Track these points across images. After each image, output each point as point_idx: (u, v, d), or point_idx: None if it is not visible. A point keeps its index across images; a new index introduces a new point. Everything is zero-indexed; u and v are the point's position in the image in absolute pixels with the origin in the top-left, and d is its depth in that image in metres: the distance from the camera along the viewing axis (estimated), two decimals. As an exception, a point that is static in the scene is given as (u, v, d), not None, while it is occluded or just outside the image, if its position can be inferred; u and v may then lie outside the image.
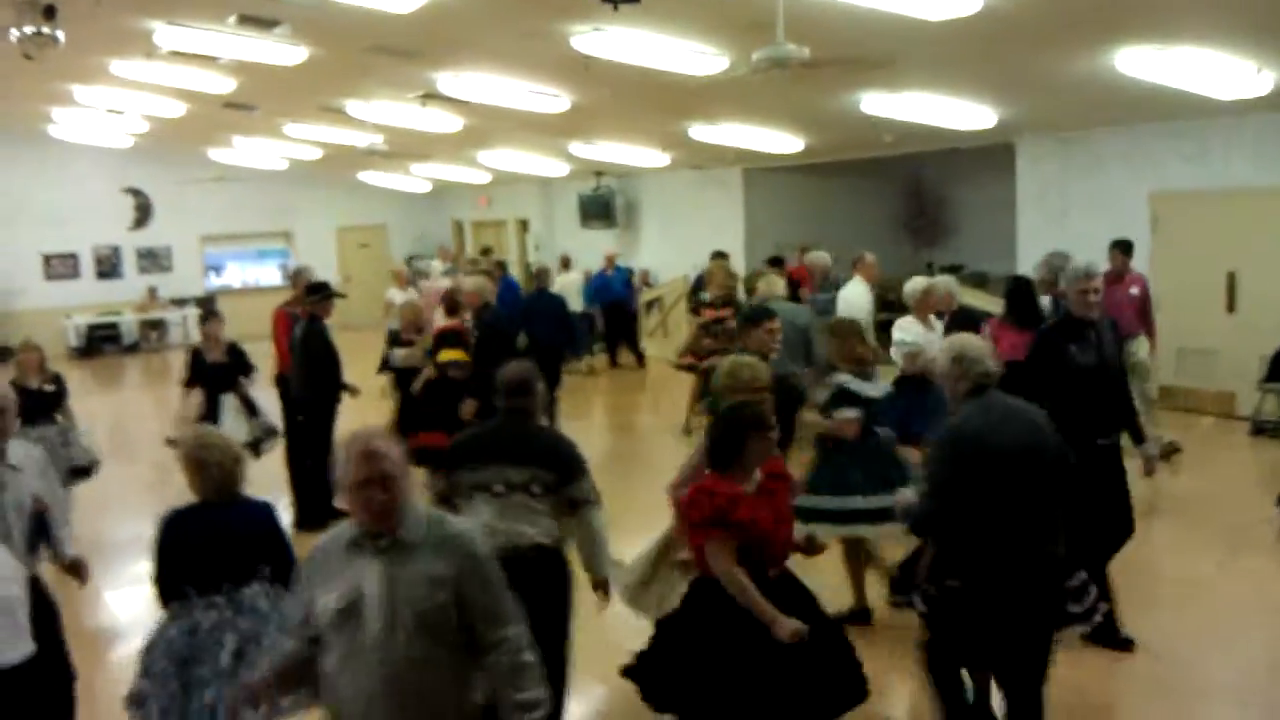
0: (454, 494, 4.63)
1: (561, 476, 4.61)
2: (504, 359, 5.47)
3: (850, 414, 5.93)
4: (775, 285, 9.42)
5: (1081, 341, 5.71)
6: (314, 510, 8.48)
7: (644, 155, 16.39)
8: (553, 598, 4.56)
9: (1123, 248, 9.97)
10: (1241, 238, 11.11)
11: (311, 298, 8.91)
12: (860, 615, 6.15)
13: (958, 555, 4.30)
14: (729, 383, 4.86)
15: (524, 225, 22.59)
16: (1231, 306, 11.19)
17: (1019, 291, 8.27)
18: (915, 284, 8.19)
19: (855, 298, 9.89)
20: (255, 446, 8.63)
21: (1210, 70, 9.18)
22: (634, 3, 5.25)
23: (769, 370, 5.08)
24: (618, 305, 17.28)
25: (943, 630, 4.46)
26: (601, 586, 4.82)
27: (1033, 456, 4.23)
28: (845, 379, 6.13)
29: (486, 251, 18.90)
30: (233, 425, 8.50)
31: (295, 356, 8.91)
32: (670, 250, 18.29)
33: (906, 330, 7.87)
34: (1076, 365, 5.64)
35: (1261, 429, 10.56)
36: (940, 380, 4.54)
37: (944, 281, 8.56)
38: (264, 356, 9.52)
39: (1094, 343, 5.72)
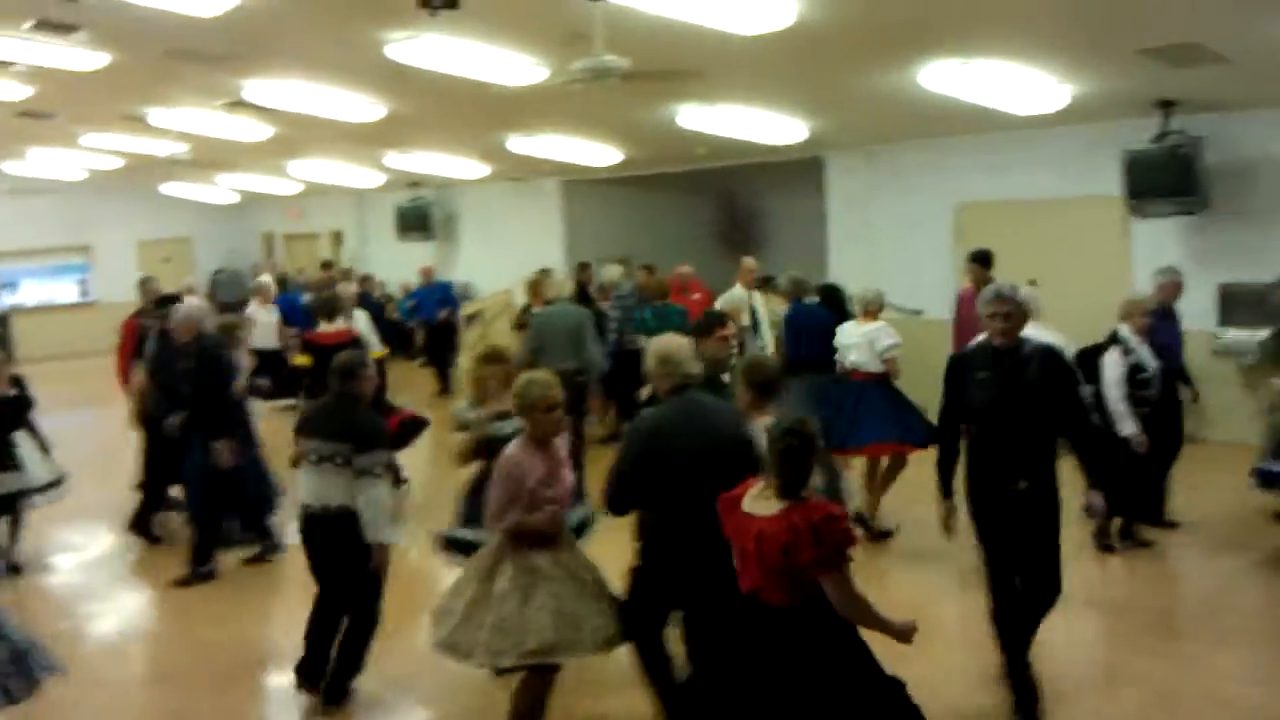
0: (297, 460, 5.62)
1: (357, 449, 5.31)
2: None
3: None
4: (563, 289, 9.77)
5: (987, 371, 5.12)
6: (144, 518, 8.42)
7: (462, 166, 16.23)
8: (354, 555, 5.35)
9: (981, 260, 9.76)
10: (1043, 247, 11.66)
11: (160, 310, 8.52)
12: None
13: (641, 537, 4.84)
14: (519, 402, 4.74)
15: (338, 237, 22.10)
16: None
17: (829, 298, 9.57)
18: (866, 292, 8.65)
19: (735, 300, 10.76)
20: (57, 485, 8.14)
21: (1011, 85, 9.62)
22: (452, 9, 5.16)
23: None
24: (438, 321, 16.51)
25: (632, 601, 4.83)
26: (377, 551, 5.39)
27: (706, 456, 4.55)
28: None
29: (327, 265, 18.42)
30: (38, 468, 7.97)
31: (152, 371, 8.39)
32: (490, 263, 18.16)
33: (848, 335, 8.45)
34: (970, 398, 5.15)
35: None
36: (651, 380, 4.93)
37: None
38: (59, 378, 9.03)
39: (1004, 373, 5.06)
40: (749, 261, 11.29)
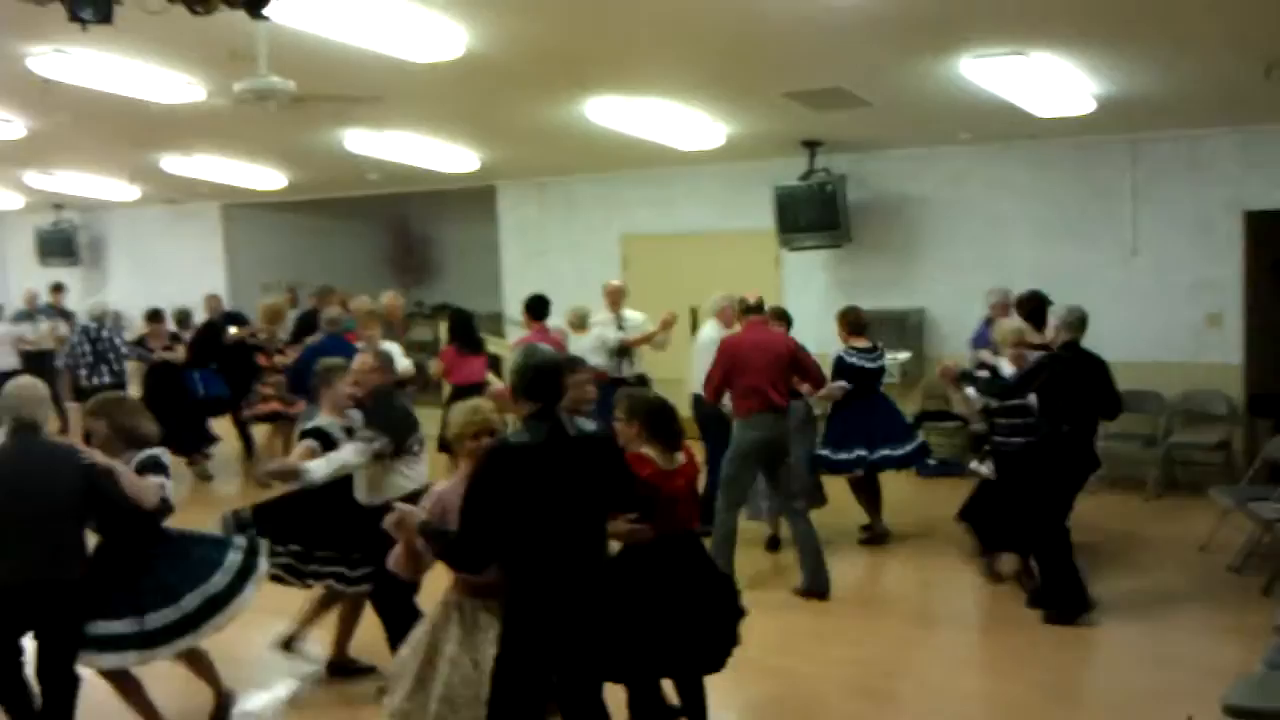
0: None
1: None
2: None
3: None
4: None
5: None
6: None
7: (110, 187, 15.25)
8: None
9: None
10: (702, 277, 12.17)
11: None
12: None
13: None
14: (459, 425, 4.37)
15: (-31, 263, 20.26)
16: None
17: (460, 323, 10.08)
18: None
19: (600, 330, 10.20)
20: None
21: (672, 123, 10.05)
22: (106, 23, 4.89)
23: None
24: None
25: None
26: None
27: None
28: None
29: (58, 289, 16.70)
30: None
31: None
32: (143, 290, 17.10)
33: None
34: None
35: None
36: None
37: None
38: None
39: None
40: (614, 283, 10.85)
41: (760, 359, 7.33)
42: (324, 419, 5.85)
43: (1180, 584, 7.51)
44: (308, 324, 11.45)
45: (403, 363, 8.58)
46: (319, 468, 5.48)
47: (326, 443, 5.65)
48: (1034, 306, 8.40)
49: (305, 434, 5.82)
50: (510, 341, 12.56)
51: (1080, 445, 7.02)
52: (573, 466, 4.01)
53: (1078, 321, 7.07)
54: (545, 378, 4.06)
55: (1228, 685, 4.45)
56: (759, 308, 7.68)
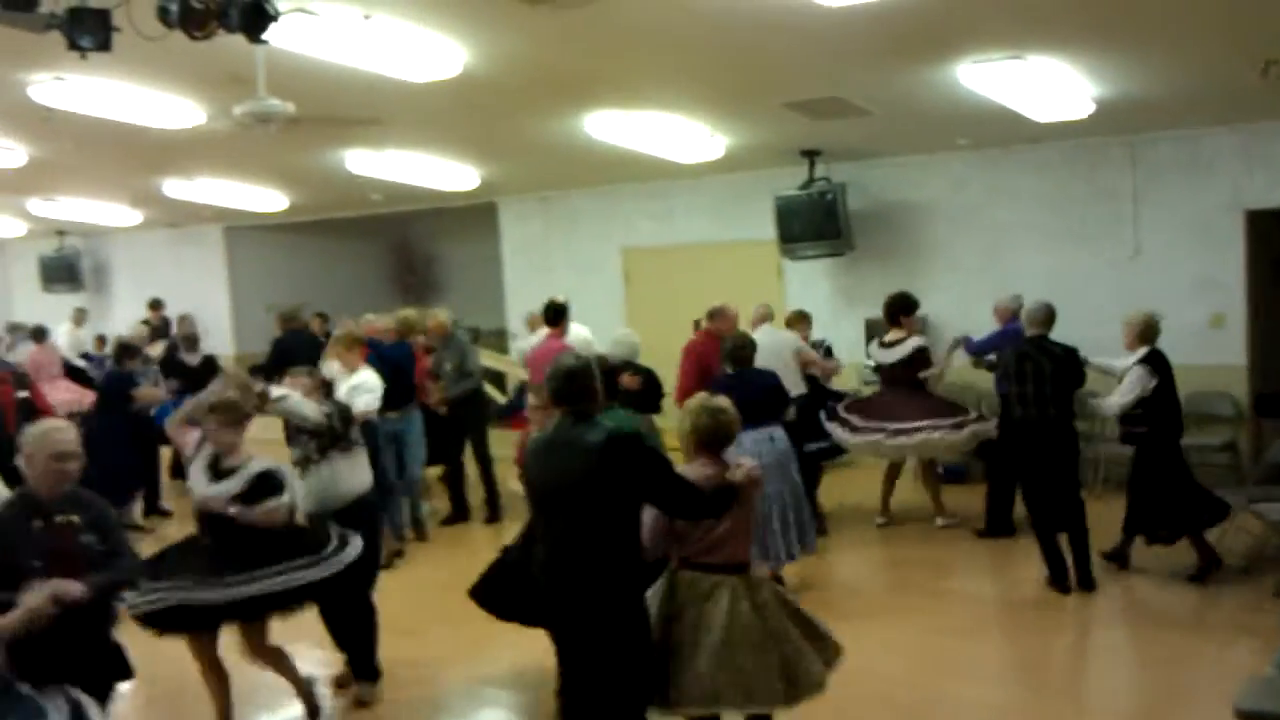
0: None
1: None
2: None
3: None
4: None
5: None
6: None
7: (113, 212, 15.30)
8: None
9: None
10: (704, 288, 12.18)
11: None
12: None
13: None
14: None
15: (-27, 290, 20.31)
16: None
17: None
18: None
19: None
20: None
21: (671, 135, 10.07)
22: (105, 51, 4.91)
23: None
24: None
25: None
26: None
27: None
28: None
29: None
30: None
31: None
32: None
33: None
34: None
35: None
36: None
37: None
38: None
39: None
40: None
41: None
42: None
43: (1189, 585, 7.49)
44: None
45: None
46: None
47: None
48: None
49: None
50: (515, 357, 12.58)
51: (1051, 430, 7.48)
52: None
53: (1044, 316, 7.75)
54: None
55: (1238, 687, 4.44)
56: None
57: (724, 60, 7.78)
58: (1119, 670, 6.37)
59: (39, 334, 14.12)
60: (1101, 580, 7.45)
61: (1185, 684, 5.85)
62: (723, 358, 7.76)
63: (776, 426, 7.41)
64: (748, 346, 7.65)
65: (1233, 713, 4.22)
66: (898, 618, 7.20)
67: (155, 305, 16.55)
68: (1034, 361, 7.55)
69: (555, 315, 9.82)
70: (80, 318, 16.92)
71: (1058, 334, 10.28)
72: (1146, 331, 7.60)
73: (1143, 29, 7.23)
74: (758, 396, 7.20)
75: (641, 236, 13.19)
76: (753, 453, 6.93)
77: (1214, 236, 10.12)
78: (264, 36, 5.21)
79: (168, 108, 8.61)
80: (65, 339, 16.10)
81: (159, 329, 15.56)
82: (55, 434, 4.36)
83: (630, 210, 13.25)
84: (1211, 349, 10.09)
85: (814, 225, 11.23)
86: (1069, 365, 7.55)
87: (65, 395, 12.20)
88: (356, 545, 5.56)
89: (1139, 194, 10.39)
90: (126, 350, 10.86)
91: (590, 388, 4.25)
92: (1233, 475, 9.61)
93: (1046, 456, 7.49)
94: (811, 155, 11.15)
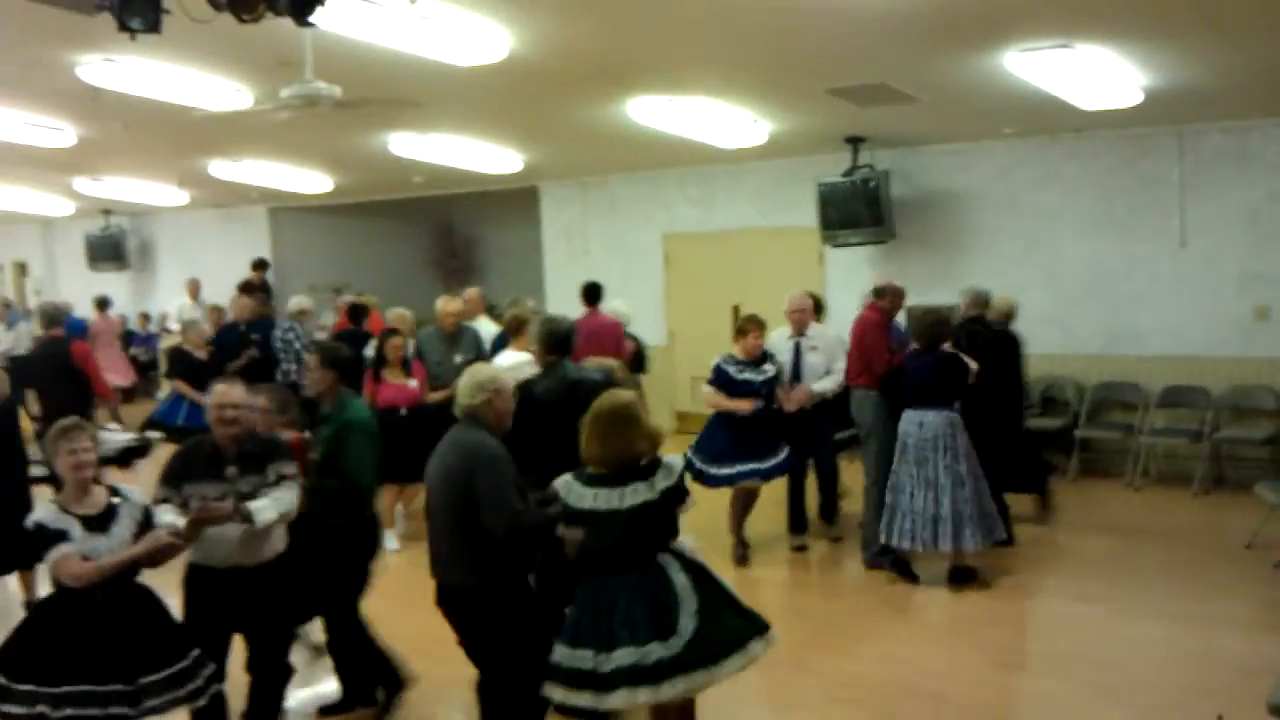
0: None
1: None
2: None
3: None
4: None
5: None
6: None
7: (159, 192, 15.47)
8: None
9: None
10: (743, 274, 12.23)
11: None
12: None
13: None
14: None
15: (22, 269, 20.61)
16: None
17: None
18: None
19: None
20: None
21: (714, 121, 10.05)
22: (154, 32, 4.97)
23: None
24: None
25: None
26: None
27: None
28: None
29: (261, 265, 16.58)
30: None
31: None
32: (193, 293, 17.38)
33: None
34: None
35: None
36: None
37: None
38: None
39: None
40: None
41: None
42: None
43: (1226, 580, 7.42)
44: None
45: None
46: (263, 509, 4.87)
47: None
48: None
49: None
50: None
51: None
52: None
53: (982, 299, 8.65)
54: None
55: (1272, 683, 4.41)
56: None
57: (768, 46, 7.75)
58: (1150, 665, 6.32)
59: (102, 304, 16.09)
60: (1138, 572, 7.41)
61: (1218, 680, 5.80)
62: (914, 335, 7.89)
63: (939, 410, 7.33)
64: (939, 325, 7.65)
65: (1267, 708, 4.20)
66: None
67: (260, 265, 16.40)
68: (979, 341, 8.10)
69: (592, 294, 9.93)
70: (194, 289, 16.55)
71: (1098, 324, 10.28)
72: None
73: (1194, 19, 7.14)
74: (927, 379, 7.40)
75: (682, 222, 13.19)
76: (901, 434, 7.42)
77: (1261, 229, 9.98)
78: (311, 20, 5.25)
79: (215, 90, 8.69)
80: (175, 309, 16.09)
81: (262, 288, 15.32)
82: None
83: (672, 196, 13.24)
84: (1255, 341, 9.97)
85: (856, 212, 11.17)
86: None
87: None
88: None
89: (1186, 184, 10.26)
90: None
91: None
92: (1274, 468, 9.51)
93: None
94: (855, 142, 11.09)
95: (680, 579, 4.40)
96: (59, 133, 10.82)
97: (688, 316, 12.91)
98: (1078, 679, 5.97)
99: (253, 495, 4.82)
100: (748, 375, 8.04)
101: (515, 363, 8.05)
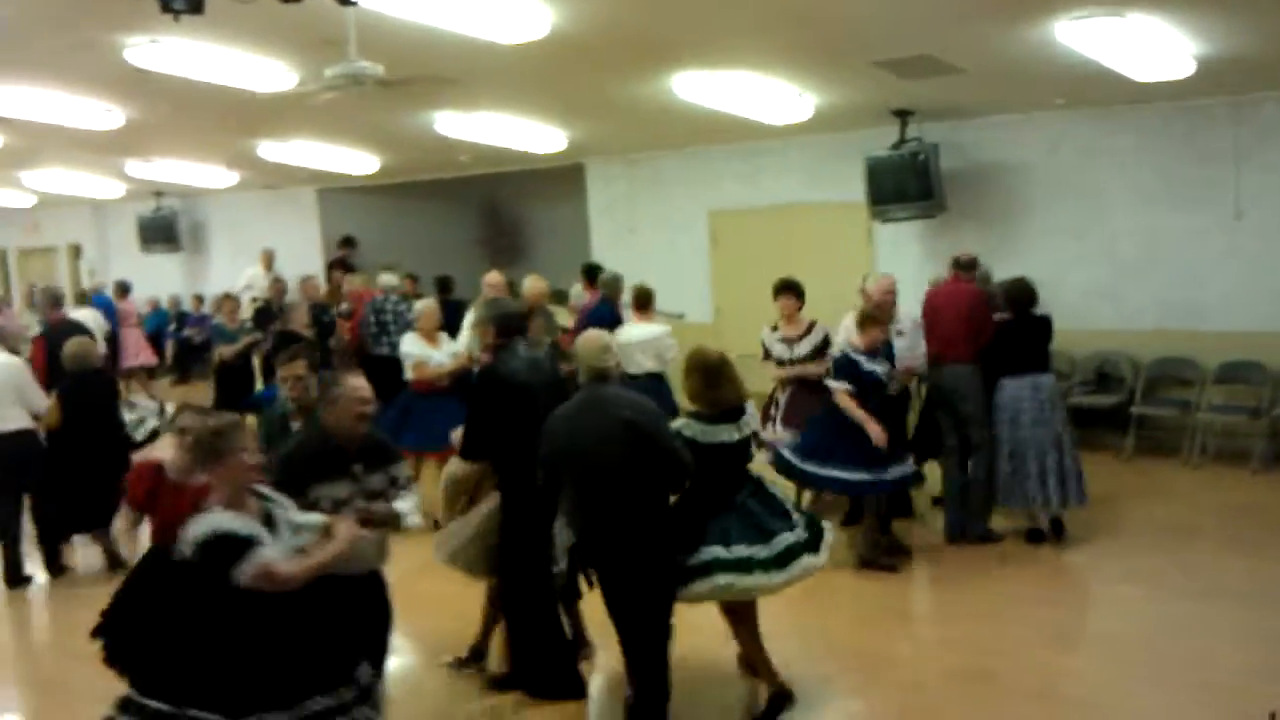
0: None
1: None
2: None
3: None
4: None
5: None
6: None
7: (209, 174, 15.60)
8: None
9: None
10: (791, 250, 12.11)
11: None
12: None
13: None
14: None
15: (76, 251, 20.89)
16: (784, 314, 12.19)
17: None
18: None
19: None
20: None
21: (759, 96, 9.96)
22: (198, 13, 4.99)
23: None
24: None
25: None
26: None
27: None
28: None
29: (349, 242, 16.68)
30: None
31: None
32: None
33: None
34: None
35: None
36: None
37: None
38: None
39: None
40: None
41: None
42: None
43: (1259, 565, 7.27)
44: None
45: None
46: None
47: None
48: None
49: None
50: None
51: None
52: None
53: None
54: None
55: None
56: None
57: (811, 18, 7.67)
58: (1207, 646, 6.21)
59: (123, 289, 16.55)
60: (1196, 551, 7.29)
61: (1276, 661, 5.70)
62: (1007, 303, 7.91)
63: (1040, 375, 7.58)
64: (1030, 290, 7.82)
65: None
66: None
67: (347, 242, 16.47)
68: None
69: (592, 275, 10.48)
70: (268, 259, 16.11)
71: (1153, 298, 10.07)
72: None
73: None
74: (1032, 344, 7.66)
75: (729, 198, 13.10)
76: (1012, 400, 7.50)
77: (1321, 199, 9.77)
78: (353, -1, 5.25)
79: (261, 70, 8.73)
80: (245, 279, 15.81)
81: (347, 264, 15.49)
82: None
83: (718, 172, 13.16)
84: (1314, 315, 9.77)
85: (905, 186, 11.03)
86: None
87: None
88: None
89: (1241, 155, 10.03)
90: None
91: None
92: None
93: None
94: (903, 115, 10.95)
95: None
96: (108, 114, 10.92)
97: (734, 294, 12.83)
98: (1129, 659, 5.90)
99: (382, 494, 4.59)
100: (874, 367, 7.18)
101: (652, 334, 8.82)
